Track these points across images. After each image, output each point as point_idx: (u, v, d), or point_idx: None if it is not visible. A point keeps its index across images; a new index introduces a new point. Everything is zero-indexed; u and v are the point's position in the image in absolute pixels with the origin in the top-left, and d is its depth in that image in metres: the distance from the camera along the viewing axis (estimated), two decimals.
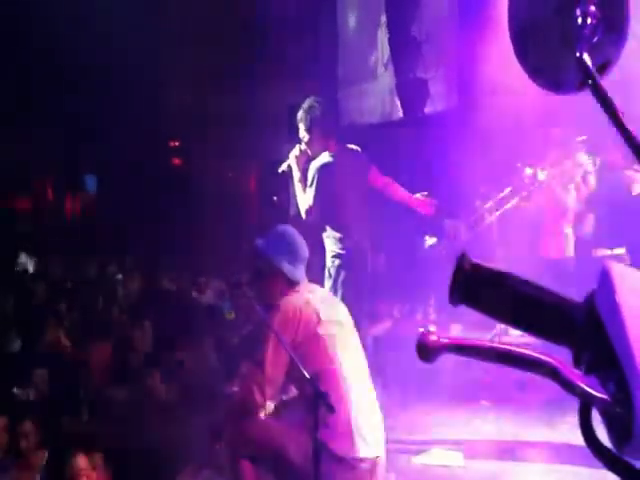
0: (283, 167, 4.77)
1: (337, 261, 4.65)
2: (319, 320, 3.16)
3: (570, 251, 6.17)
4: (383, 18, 10.69)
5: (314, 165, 4.66)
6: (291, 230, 3.50)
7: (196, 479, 4.13)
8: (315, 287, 3.47)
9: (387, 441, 3.25)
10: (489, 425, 5.12)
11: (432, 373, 5.19)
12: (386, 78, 10.88)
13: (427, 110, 10.20)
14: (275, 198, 11.55)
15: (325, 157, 4.68)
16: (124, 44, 10.44)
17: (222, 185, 12.05)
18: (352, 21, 11.37)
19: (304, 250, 3.41)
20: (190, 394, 5.70)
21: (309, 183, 4.62)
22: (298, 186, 4.70)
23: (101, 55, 10.30)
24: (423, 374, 4.56)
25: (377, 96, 10.93)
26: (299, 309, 3.17)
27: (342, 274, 4.61)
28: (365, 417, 3.11)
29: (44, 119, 10.89)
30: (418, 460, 4.48)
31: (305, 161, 4.73)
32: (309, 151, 4.72)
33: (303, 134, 4.69)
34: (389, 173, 4.99)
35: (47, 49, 10.32)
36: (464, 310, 1.29)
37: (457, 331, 6.71)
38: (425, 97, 10.26)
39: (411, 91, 10.40)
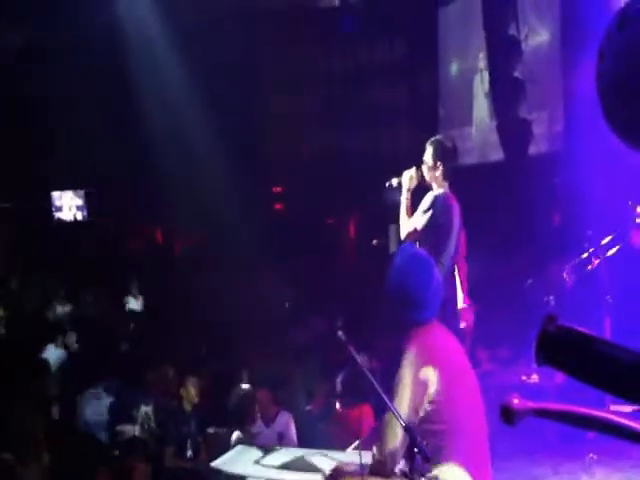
0: (394, 182, 4.77)
1: None
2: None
3: None
4: (481, 64, 10.68)
5: (434, 193, 4.59)
6: (401, 259, 2.89)
7: None
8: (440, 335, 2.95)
9: None
10: None
11: (538, 425, 4.98)
12: (485, 121, 10.78)
13: (530, 152, 10.00)
14: (375, 241, 11.58)
15: (443, 191, 4.63)
16: (224, 94, 10.88)
17: (321, 231, 12.19)
18: (452, 66, 11.45)
19: (416, 287, 2.79)
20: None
21: (423, 208, 4.57)
22: (404, 205, 4.70)
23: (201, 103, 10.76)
24: (528, 425, 4.37)
25: (476, 138, 10.85)
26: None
27: None
28: None
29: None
30: None
31: (414, 185, 4.73)
32: (426, 176, 4.68)
33: (428, 158, 4.65)
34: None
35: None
36: None
37: (563, 378, 6.44)
38: (529, 138, 10.06)
39: (514, 132, 10.22)
